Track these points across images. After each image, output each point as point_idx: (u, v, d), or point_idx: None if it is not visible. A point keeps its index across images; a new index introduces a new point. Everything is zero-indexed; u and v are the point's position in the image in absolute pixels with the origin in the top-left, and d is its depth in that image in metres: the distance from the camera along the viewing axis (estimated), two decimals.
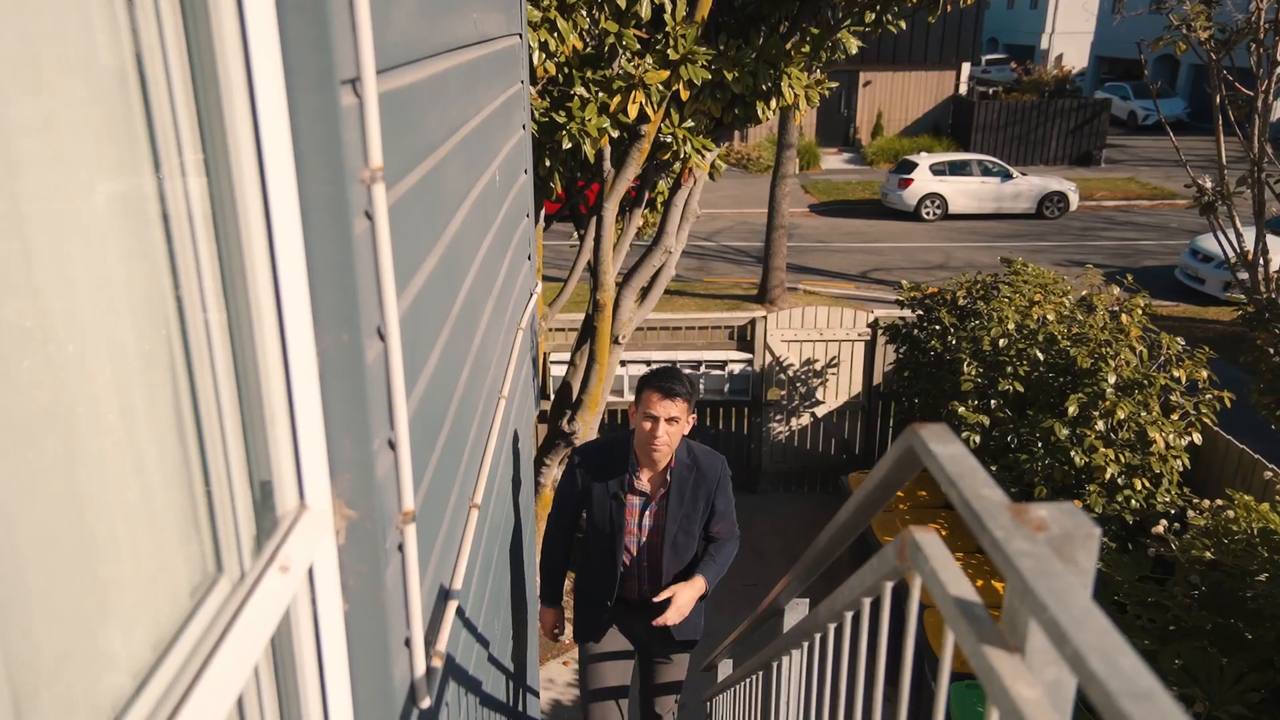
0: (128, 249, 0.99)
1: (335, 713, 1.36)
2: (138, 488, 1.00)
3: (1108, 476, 5.34)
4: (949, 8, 5.31)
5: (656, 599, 3.21)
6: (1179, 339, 5.80)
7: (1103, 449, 5.40)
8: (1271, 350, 3.84)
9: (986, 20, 40.02)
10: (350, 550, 1.35)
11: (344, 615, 1.37)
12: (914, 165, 19.88)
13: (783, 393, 8.80)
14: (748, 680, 3.43)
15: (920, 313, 7.25)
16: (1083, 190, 21.08)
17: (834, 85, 5.90)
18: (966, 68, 26.72)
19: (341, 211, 1.22)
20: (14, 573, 0.78)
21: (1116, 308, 6.13)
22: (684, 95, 5.10)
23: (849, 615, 1.80)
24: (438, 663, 1.70)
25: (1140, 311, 6.02)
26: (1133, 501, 5.37)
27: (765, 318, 8.63)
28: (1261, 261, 4.13)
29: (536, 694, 4.36)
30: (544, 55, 4.77)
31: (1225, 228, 4.74)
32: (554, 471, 6.49)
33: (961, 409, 5.83)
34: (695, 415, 3.23)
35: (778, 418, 8.94)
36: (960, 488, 1.06)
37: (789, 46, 5.32)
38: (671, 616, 3.13)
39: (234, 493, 1.16)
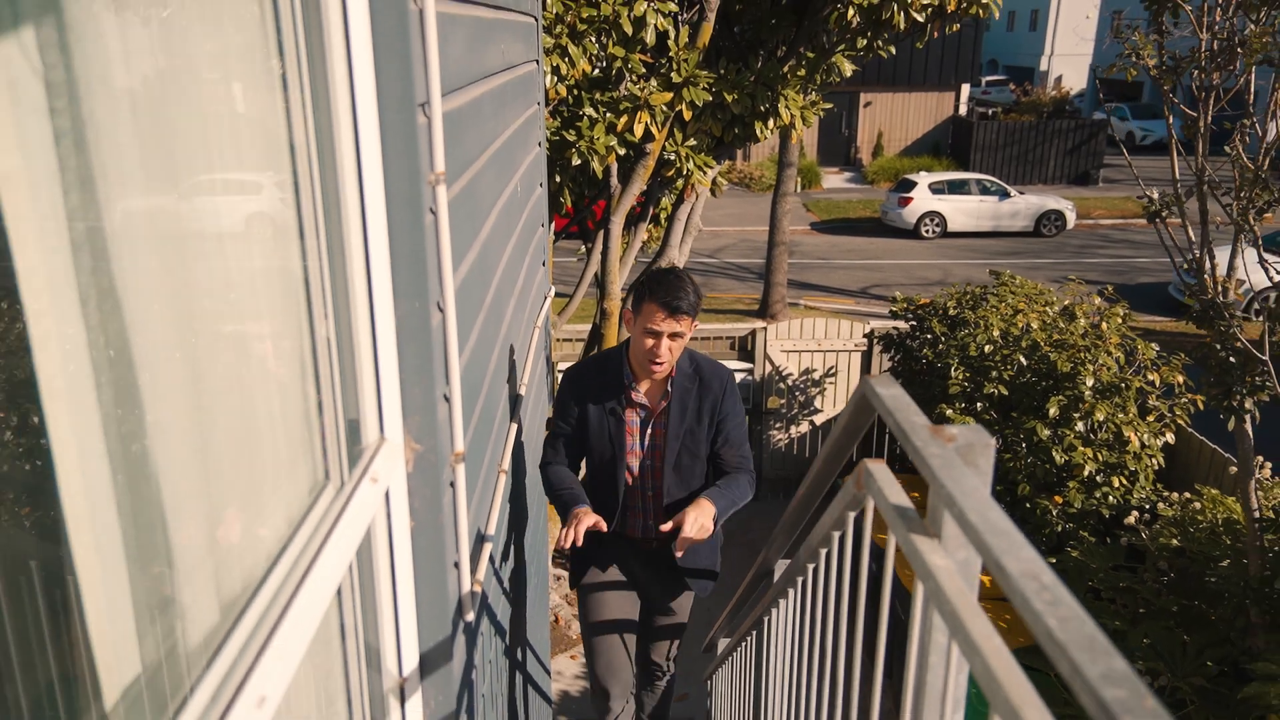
0: (273, 236, 1.33)
1: (403, 609, 1.70)
2: (275, 415, 1.34)
3: (1086, 473, 5.66)
4: (935, 34, 5.69)
5: (663, 528, 2.74)
6: (1154, 345, 6.14)
7: (1081, 448, 5.72)
8: (1218, 346, 4.15)
9: (986, 43, 40.56)
10: (417, 478, 1.69)
11: (410, 531, 1.71)
12: (913, 184, 20.27)
13: (782, 401, 9.13)
14: (743, 647, 3.70)
15: (913, 323, 7.59)
16: (1080, 209, 21.45)
17: (828, 106, 6.27)
18: (966, 89, 27.17)
19: (416, 206, 1.57)
20: (198, 472, 1.13)
21: (1097, 317, 6.47)
22: (686, 115, 5.47)
23: (823, 552, 2.13)
24: (478, 588, 2.03)
25: (1119, 320, 6.35)
26: (1110, 497, 5.68)
27: (765, 328, 8.98)
28: (1208, 265, 4.47)
29: (548, 672, 4.67)
30: (556, 78, 5.14)
31: (1175, 236, 5.10)
32: None
33: (949, 411, 6.15)
34: (697, 321, 2.88)
35: (778, 425, 9.26)
36: (896, 416, 1.40)
37: (786, 70, 5.69)
38: (688, 532, 2.66)
39: (338, 424, 1.50)
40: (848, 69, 6.18)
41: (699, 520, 2.70)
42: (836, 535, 2.03)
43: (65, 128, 0.83)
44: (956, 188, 20.32)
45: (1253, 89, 4.41)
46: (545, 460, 3.11)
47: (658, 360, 2.82)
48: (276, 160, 1.32)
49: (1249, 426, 4.21)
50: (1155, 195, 4.67)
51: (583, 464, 3.16)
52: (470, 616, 1.93)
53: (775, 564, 3.05)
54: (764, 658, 3.12)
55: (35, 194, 0.79)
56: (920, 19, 5.20)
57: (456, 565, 1.88)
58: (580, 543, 2.73)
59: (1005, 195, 20.21)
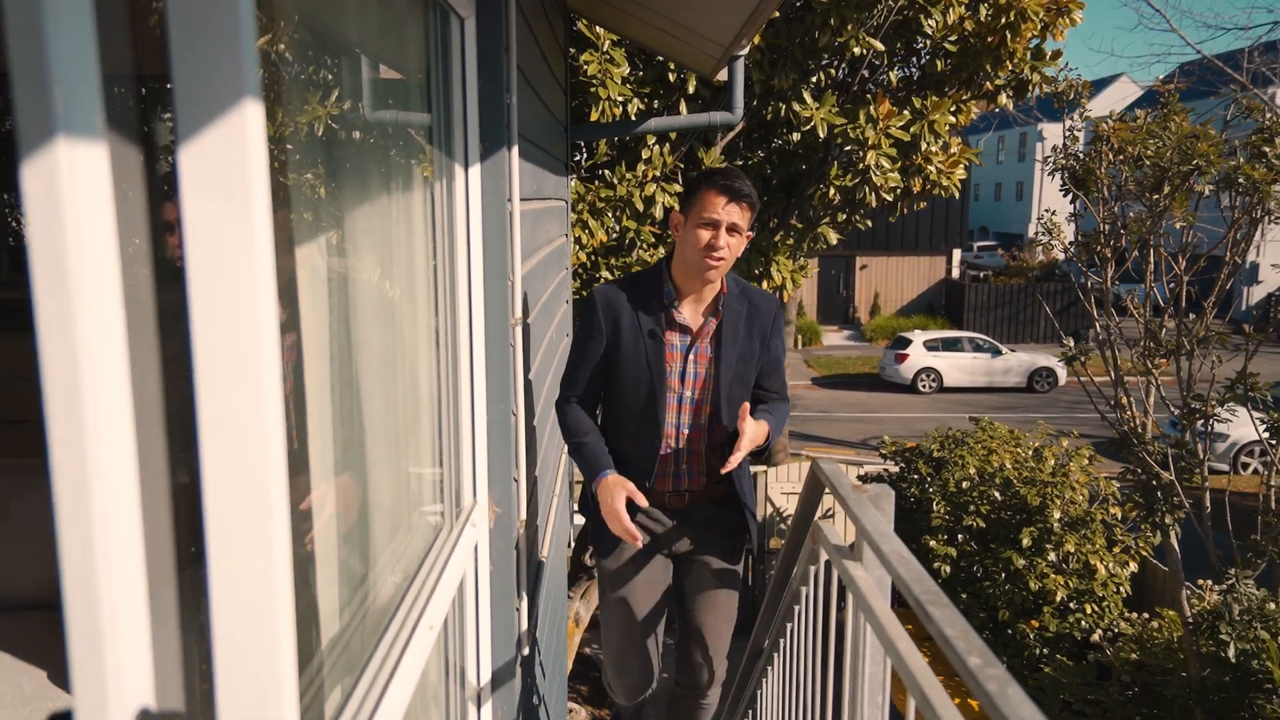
0: (422, 358, 2.06)
1: (483, 635, 2.33)
2: (419, 474, 2.03)
3: (1059, 599, 6.19)
4: (905, 210, 6.60)
5: (731, 462, 2.41)
6: (1115, 482, 6.77)
7: (1054, 575, 6.27)
8: (1139, 470, 4.79)
9: (977, 211, 42.74)
10: (495, 533, 2.35)
11: (490, 574, 2.35)
12: (909, 341, 21.25)
13: (784, 542, 9.66)
14: None
15: (902, 465, 8.23)
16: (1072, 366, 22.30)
17: (816, 270, 7.14)
18: (958, 253, 28.64)
19: (503, 342, 2.30)
20: (373, 505, 1.82)
21: (1065, 457, 7.12)
22: None
23: (797, 608, 2.75)
24: (528, 630, 2.65)
25: (1085, 460, 7.00)
26: (1082, 622, 6.19)
27: (766, 472, 9.61)
28: (1124, 400, 5.18)
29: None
30: (577, 247, 6.01)
31: (1090, 376, 5.85)
32: (574, 604, 7.30)
33: (932, 542, 6.73)
34: (752, 233, 2.58)
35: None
36: (833, 480, 2.09)
37: (776, 239, 6.58)
38: (746, 442, 2.42)
39: (453, 486, 2.18)
40: (833, 238, 7.08)
41: (756, 436, 2.47)
42: (804, 590, 2.66)
43: (336, 300, 1.57)
44: (950, 345, 21.28)
45: (1150, 259, 5.30)
46: (564, 396, 2.63)
47: (716, 254, 2.43)
48: (431, 314, 2.07)
49: (1174, 541, 4.78)
50: (1071, 343, 5.44)
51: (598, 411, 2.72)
52: (525, 650, 2.54)
53: (765, 641, 3.62)
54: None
55: (317, 346, 1.52)
56: (889, 198, 6.11)
57: (517, 610, 2.51)
58: (629, 528, 2.35)
59: (997, 353, 21.14)
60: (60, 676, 2.16)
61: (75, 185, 0.62)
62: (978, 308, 26.59)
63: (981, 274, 29.49)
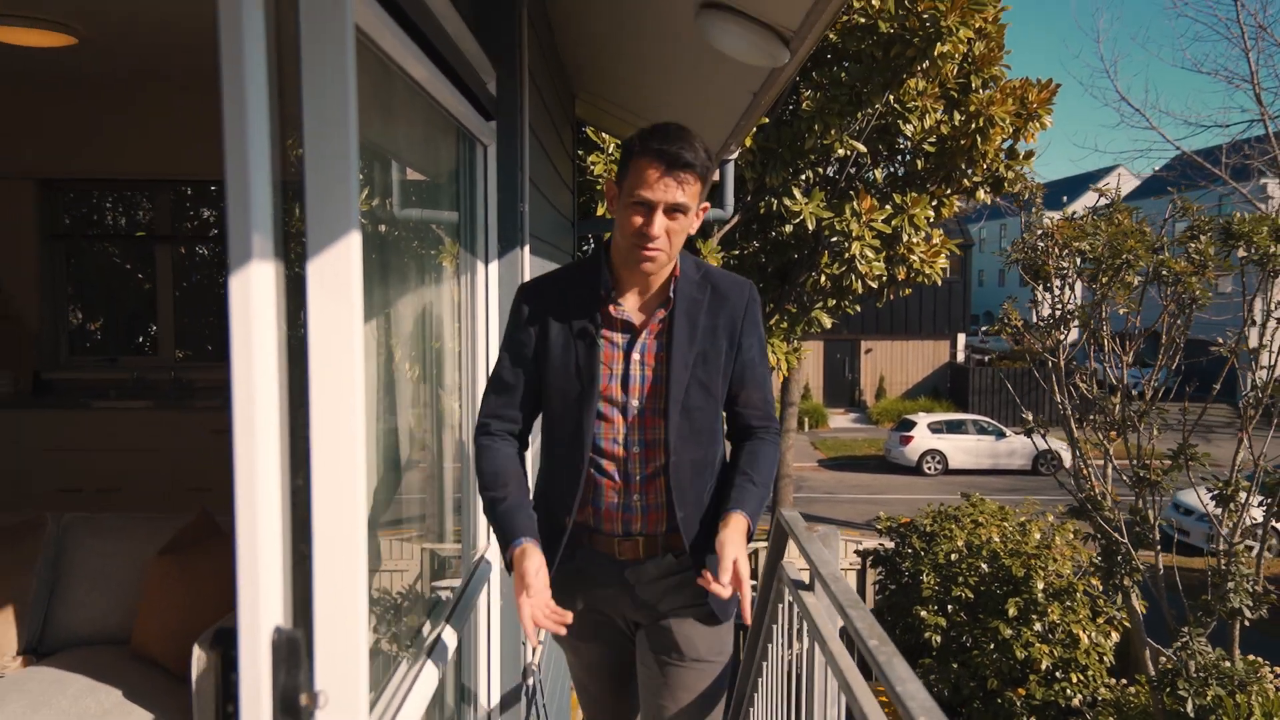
0: (449, 399, 2.47)
1: (494, 661, 2.69)
2: (445, 525, 2.43)
3: (1044, 668, 6.44)
4: (891, 297, 7.07)
5: (715, 586, 1.80)
6: (1094, 551, 7.07)
7: (1039, 645, 6.54)
8: (1098, 535, 5.12)
9: (983, 296, 43.39)
10: (504, 575, 2.73)
11: (500, 608, 2.73)
12: (913, 424, 21.57)
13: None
14: None
15: (897, 540, 8.54)
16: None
17: (800, 347, 7.59)
18: (962, 338, 29.12)
19: None
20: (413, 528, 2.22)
21: (1051, 531, 7.44)
22: None
23: (770, 646, 3.10)
24: (533, 662, 3.00)
25: (1070, 534, 7.31)
26: (1067, 690, 6.43)
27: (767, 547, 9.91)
28: (1081, 467, 5.55)
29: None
30: None
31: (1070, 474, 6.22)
32: None
33: (923, 612, 7.01)
34: (708, 204, 2.08)
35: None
36: (791, 527, 2.50)
37: (772, 323, 7.05)
38: (725, 579, 1.81)
39: (468, 534, 2.57)
40: (826, 321, 7.54)
41: (737, 546, 1.86)
42: (775, 628, 3.02)
43: (385, 361, 2.00)
44: (955, 428, 21.58)
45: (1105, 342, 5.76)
46: (481, 425, 2.01)
47: (651, 245, 1.84)
48: (455, 376, 2.50)
49: (1135, 602, 5.08)
50: (1029, 416, 5.84)
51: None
52: (531, 681, 2.90)
53: (747, 687, 3.94)
54: None
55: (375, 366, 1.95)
56: (874, 285, 6.59)
57: (523, 643, 2.87)
58: (528, 629, 1.79)
59: (1001, 435, 21.41)
60: (133, 695, 2.53)
61: (259, 284, 1.06)
62: (982, 390, 26.93)
63: (985, 358, 29.91)
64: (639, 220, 1.84)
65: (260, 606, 1.13)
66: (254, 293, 1.08)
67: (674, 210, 1.84)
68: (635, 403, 1.95)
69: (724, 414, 2.06)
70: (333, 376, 1.25)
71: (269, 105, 1.09)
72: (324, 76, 1.22)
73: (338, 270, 1.23)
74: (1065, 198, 34.62)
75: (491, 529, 1.97)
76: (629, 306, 1.96)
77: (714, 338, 1.97)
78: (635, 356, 1.95)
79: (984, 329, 38.90)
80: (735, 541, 1.86)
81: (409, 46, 1.65)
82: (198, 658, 2.31)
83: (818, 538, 2.42)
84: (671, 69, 3.66)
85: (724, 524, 1.90)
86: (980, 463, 21.31)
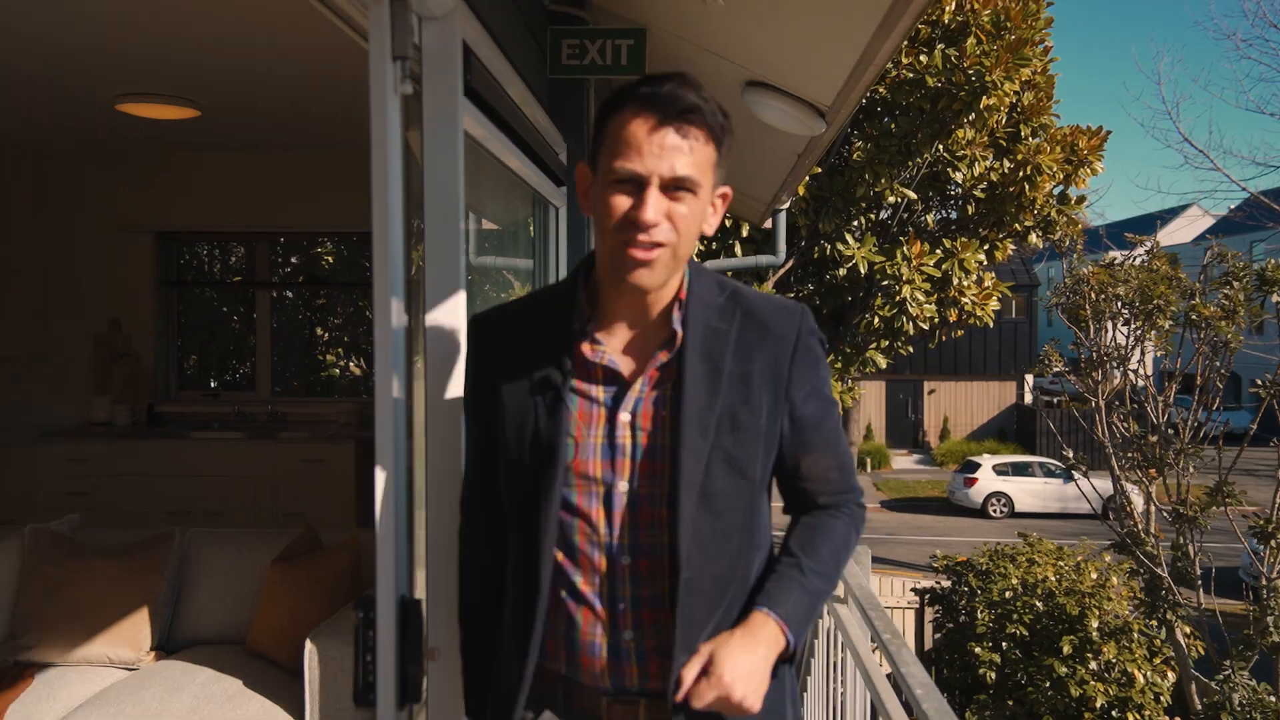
0: None
1: None
2: None
3: (1099, 705, 6.51)
4: (944, 338, 7.30)
5: (681, 689, 1.21)
6: (1141, 590, 7.14)
7: (1094, 683, 6.61)
8: (1141, 570, 5.22)
9: (1052, 336, 42.69)
10: None
11: None
12: (978, 465, 21.40)
13: None
14: None
15: (953, 579, 8.65)
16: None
17: (855, 387, 7.83)
18: (1030, 379, 28.78)
19: None
20: None
21: (1107, 570, 7.51)
22: None
23: (812, 660, 3.36)
24: None
25: (1125, 573, 7.38)
26: None
27: None
28: (1128, 507, 5.67)
29: None
30: None
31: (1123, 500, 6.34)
32: None
33: (978, 649, 7.13)
34: (729, 190, 1.36)
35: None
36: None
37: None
38: (687, 676, 1.22)
39: None
40: (881, 361, 7.79)
41: (760, 675, 1.23)
42: (816, 643, 3.27)
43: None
44: (1021, 470, 21.34)
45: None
46: (461, 504, 1.51)
47: (644, 235, 1.23)
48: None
49: (1179, 636, 5.16)
50: (1069, 454, 5.99)
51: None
52: None
53: None
54: None
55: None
56: (925, 327, 6.84)
57: None
58: None
59: (1069, 478, 21.08)
60: (251, 685, 2.91)
61: (396, 323, 1.43)
62: (1049, 432, 26.55)
63: (1055, 399, 29.48)
64: (625, 203, 1.22)
65: (391, 580, 1.48)
66: (390, 331, 1.45)
67: (677, 187, 1.22)
68: (624, 486, 1.30)
69: (769, 496, 1.40)
70: (445, 407, 1.61)
71: (403, 190, 1.47)
72: (439, 169, 1.60)
73: (450, 313, 1.59)
74: (1130, 235, 34.13)
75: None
76: (613, 347, 1.33)
77: (747, 389, 1.31)
78: (624, 418, 1.30)
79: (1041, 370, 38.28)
80: (742, 646, 1.22)
81: (505, 143, 2.04)
82: (309, 652, 2.68)
83: (852, 558, 2.71)
84: None
85: (741, 624, 1.27)
86: (1048, 506, 21.03)
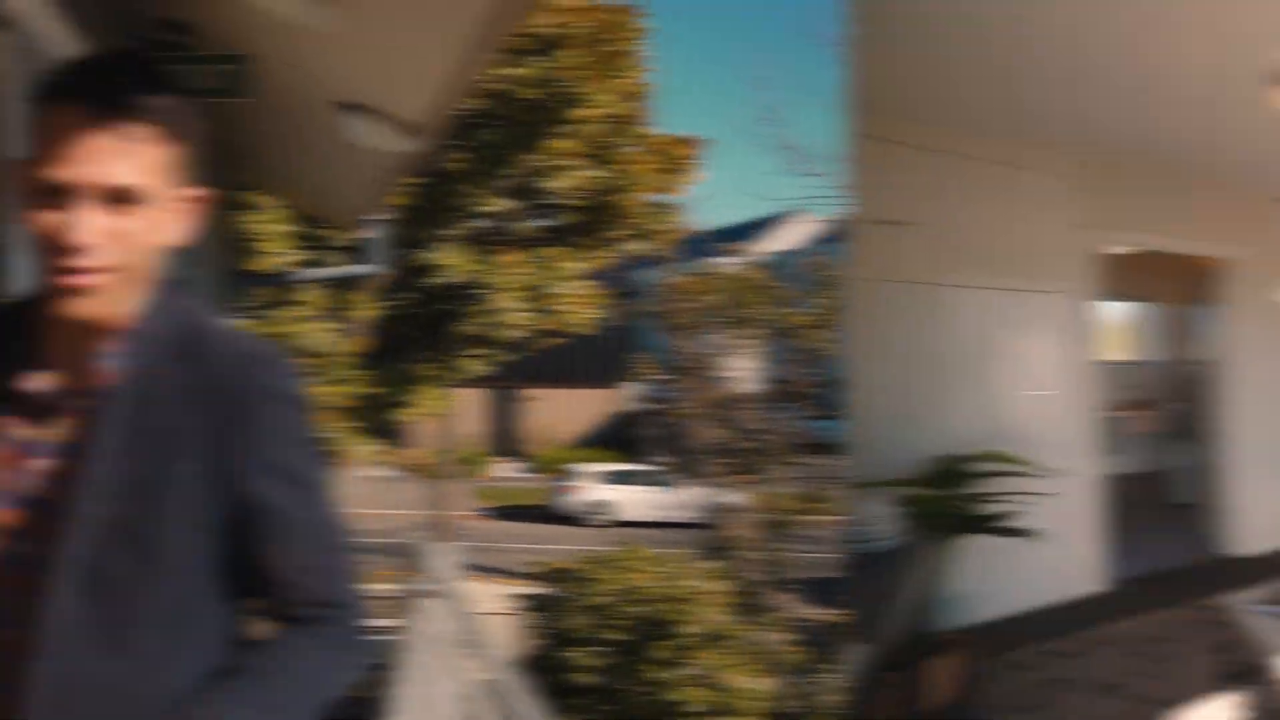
0: None
1: None
2: None
3: (695, 711, 6.71)
4: (543, 347, 7.22)
5: None
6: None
7: (692, 688, 6.79)
8: (736, 576, 5.50)
9: (659, 343, 45.53)
10: None
11: None
12: (577, 473, 21.75)
13: None
14: None
15: (550, 586, 8.61)
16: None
17: (449, 394, 7.51)
18: (631, 386, 30.08)
19: None
20: None
21: (702, 577, 7.85)
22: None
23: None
24: None
25: (721, 579, 7.74)
26: None
27: None
28: (722, 513, 5.93)
29: None
30: None
31: None
32: None
33: (575, 653, 7.10)
34: (207, 192, 1.05)
35: None
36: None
37: (421, 372, 6.94)
38: None
39: None
40: (478, 369, 7.57)
41: None
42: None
43: None
44: (622, 478, 21.77)
45: None
46: None
47: (76, 263, 0.93)
48: None
49: (776, 641, 5.44)
50: (667, 462, 6.16)
51: None
52: None
53: None
54: None
55: None
56: (520, 335, 6.83)
57: None
58: None
59: (670, 486, 21.51)
60: None
61: None
62: (651, 440, 27.83)
63: (661, 406, 31.03)
64: (53, 220, 0.93)
65: None
66: None
67: (119, 199, 0.93)
68: (16, 551, 0.98)
69: (226, 596, 1.04)
70: None
71: None
72: None
73: None
74: (721, 244, 37.24)
75: None
76: (46, 379, 1.02)
77: (175, 454, 0.99)
78: (32, 464, 1.01)
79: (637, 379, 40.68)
80: None
81: None
82: None
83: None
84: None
85: None
86: (649, 514, 20.82)
